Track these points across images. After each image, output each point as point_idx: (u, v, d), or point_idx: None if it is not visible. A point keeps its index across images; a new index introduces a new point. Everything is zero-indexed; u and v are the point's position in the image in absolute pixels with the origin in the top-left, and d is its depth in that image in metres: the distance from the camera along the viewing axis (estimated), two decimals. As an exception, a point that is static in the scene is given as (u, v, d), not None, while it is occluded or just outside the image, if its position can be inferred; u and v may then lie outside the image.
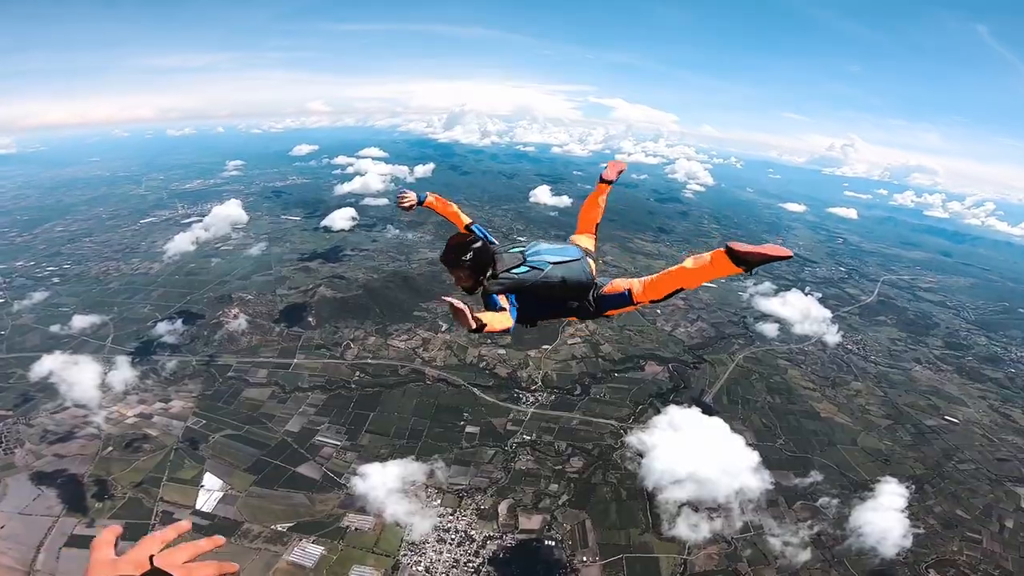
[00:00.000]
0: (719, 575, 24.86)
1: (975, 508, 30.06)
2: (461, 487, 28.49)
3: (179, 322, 43.15)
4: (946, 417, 39.26)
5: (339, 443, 31.19)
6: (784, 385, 40.83)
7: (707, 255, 3.97)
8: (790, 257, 3.75)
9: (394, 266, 57.57)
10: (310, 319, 44.23)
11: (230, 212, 75.30)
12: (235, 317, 43.71)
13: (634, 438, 32.19)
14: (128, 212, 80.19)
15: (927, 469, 32.89)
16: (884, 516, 28.32)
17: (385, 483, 28.10)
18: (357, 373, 37.77)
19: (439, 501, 27.47)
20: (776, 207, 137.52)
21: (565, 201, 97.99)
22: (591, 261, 4.97)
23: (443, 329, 43.39)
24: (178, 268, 55.30)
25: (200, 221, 71.16)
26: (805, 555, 26.20)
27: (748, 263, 3.67)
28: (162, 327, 42.39)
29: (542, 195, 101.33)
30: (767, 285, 61.40)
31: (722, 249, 3.80)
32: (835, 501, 29.83)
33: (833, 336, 51.62)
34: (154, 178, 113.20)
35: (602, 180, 6.22)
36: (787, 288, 60.89)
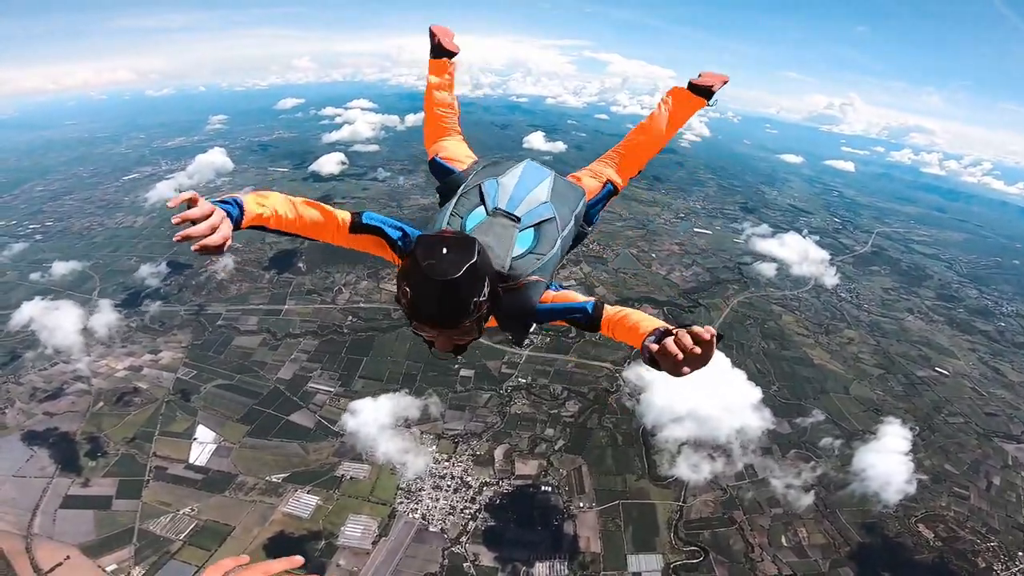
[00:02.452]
0: (715, 521, 25.09)
1: (963, 463, 30.31)
2: (456, 432, 28.44)
3: (166, 272, 42.29)
4: (936, 368, 39.44)
5: (332, 389, 30.90)
6: (778, 331, 40.94)
7: (665, 98, 3.71)
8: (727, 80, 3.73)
9: (385, 212, 55.64)
10: (300, 265, 43.41)
11: (214, 159, 73.17)
12: (223, 266, 42.72)
13: (632, 373, 32.15)
14: (110, 170, 77.42)
15: (917, 421, 33.01)
16: (888, 459, 28.46)
17: (377, 419, 28.00)
18: (349, 317, 37.25)
19: (435, 447, 27.45)
20: (773, 159, 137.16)
21: (560, 147, 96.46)
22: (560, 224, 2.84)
23: None
24: (163, 220, 53.65)
25: (184, 171, 69.18)
26: (807, 499, 26.37)
27: (709, 91, 3.64)
28: (149, 277, 41.56)
29: (536, 141, 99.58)
30: (764, 227, 61.82)
31: (681, 86, 3.73)
32: (838, 442, 30.12)
33: (831, 278, 52.01)
34: (134, 137, 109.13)
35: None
36: (784, 231, 61.02)
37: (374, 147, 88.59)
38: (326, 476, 25.62)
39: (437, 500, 24.75)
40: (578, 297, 2.61)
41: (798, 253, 54.45)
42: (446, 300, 1.94)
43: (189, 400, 29.63)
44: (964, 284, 59.88)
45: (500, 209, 2.63)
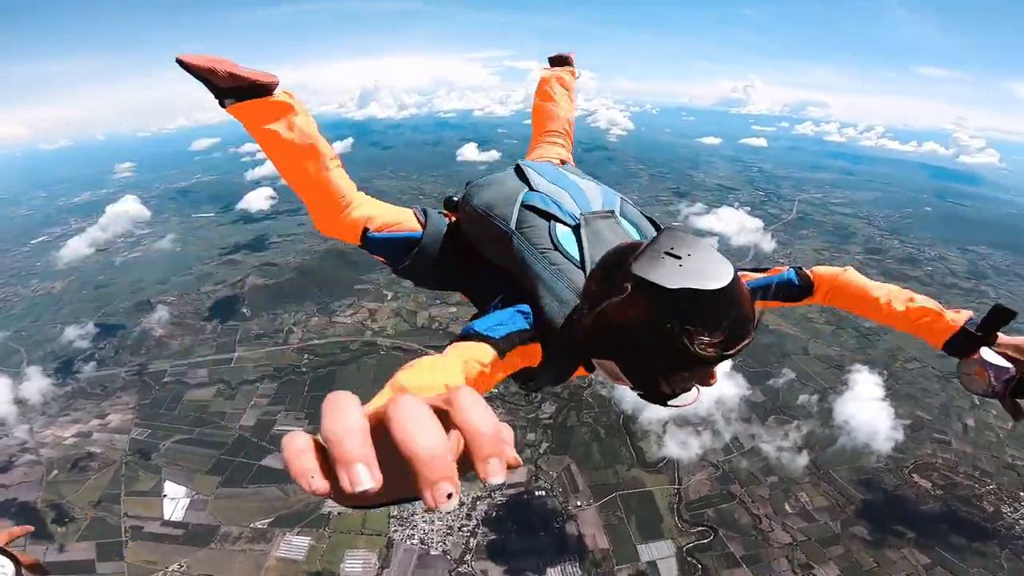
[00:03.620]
0: (715, 498, 25.24)
1: (934, 408, 31.42)
2: None
3: (95, 333, 39.09)
4: (881, 317, 42.29)
5: (300, 429, 29.19)
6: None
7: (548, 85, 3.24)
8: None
9: (327, 245, 54.58)
10: (244, 310, 41.14)
11: (128, 209, 68.23)
12: (159, 321, 39.90)
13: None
14: (15, 235, 70.22)
15: (879, 370, 34.20)
16: (866, 407, 29.48)
17: None
18: (305, 356, 35.67)
19: None
20: (694, 144, 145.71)
21: (494, 155, 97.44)
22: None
23: (389, 297, 41.89)
24: (83, 282, 49.98)
25: (96, 225, 64.06)
26: (802, 460, 26.88)
27: (566, 59, 3.52)
28: (78, 340, 38.28)
29: (469, 153, 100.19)
30: (699, 205, 65.12)
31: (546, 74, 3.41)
32: (814, 398, 31.20)
33: (769, 244, 55.73)
34: (36, 196, 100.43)
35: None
36: (718, 207, 64.37)
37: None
38: (312, 515, 24.22)
39: (432, 522, 23.83)
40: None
41: (735, 225, 58.50)
42: (743, 298, 1.35)
43: (149, 458, 27.57)
44: (886, 237, 64.95)
45: (584, 213, 1.82)
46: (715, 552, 22.73)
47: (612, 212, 1.85)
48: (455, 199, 2.11)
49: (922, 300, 1.94)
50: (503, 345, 1.57)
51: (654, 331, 1.25)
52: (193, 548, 22.79)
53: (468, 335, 1.55)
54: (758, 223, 59.96)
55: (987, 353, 1.56)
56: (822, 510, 24.65)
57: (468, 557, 22.41)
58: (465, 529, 23.55)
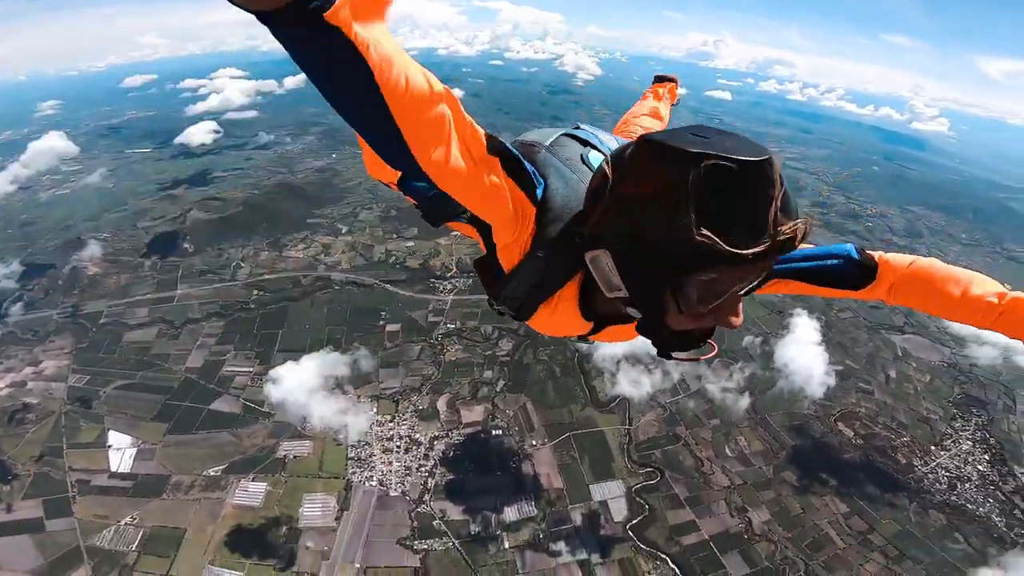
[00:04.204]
0: (662, 440, 26.11)
1: (861, 357, 33.09)
2: (394, 390, 27.26)
3: (21, 273, 36.19)
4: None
5: (251, 369, 28.29)
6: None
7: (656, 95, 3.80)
8: None
9: (277, 178, 51.98)
10: (186, 246, 38.76)
11: (54, 145, 62.15)
12: (92, 259, 37.15)
13: None
14: (-72, 178, 63.21)
15: (817, 315, 35.48)
16: (804, 351, 30.80)
17: (304, 382, 26.31)
18: (255, 292, 34.05)
19: (375, 409, 26.20)
20: None
21: (456, 93, 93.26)
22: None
23: (344, 231, 40.49)
24: (6, 221, 45.96)
25: (17, 162, 58.10)
26: (744, 403, 28.07)
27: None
28: (6, 283, 35.34)
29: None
30: None
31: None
32: (758, 340, 32.36)
33: None
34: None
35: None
36: None
37: (252, 113, 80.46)
38: (267, 460, 23.82)
39: (390, 463, 23.85)
40: None
41: None
42: (782, 186, 1.06)
43: (90, 407, 26.15)
44: (833, 193, 68.03)
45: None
46: (661, 493, 23.82)
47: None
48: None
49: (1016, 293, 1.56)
50: (498, 145, 1.26)
51: (669, 208, 1.00)
52: (144, 500, 22.12)
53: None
54: None
55: None
56: (757, 454, 26.08)
57: (427, 497, 22.65)
58: (423, 469, 23.66)
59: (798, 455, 26.35)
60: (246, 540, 20.77)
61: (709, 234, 0.95)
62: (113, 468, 23.36)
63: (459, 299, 33.73)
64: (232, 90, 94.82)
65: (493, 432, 25.68)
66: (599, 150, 1.66)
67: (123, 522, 21.26)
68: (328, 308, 32.30)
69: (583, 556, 21.24)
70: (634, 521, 22.56)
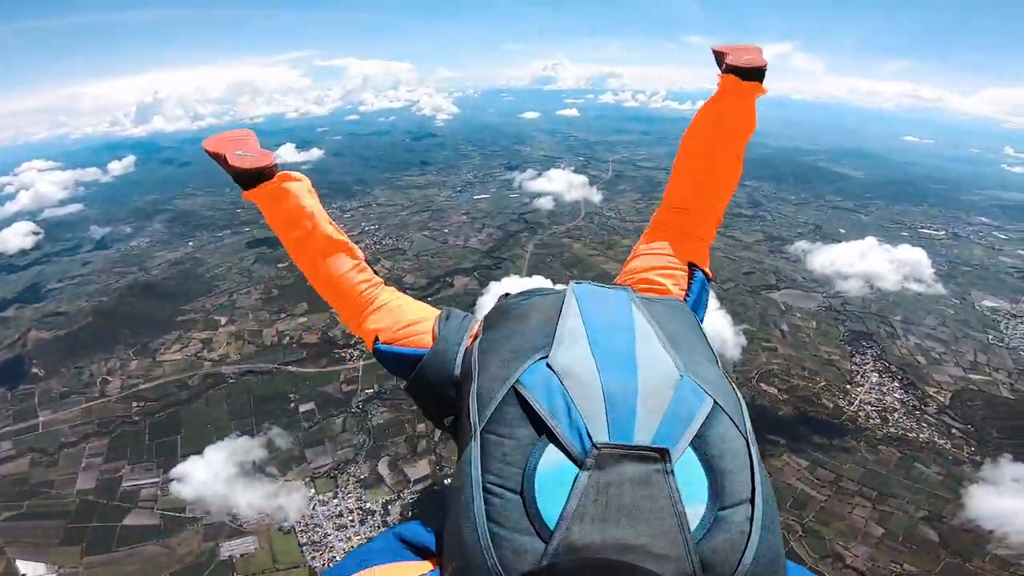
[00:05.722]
0: None
1: (754, 319, 35.91)
2: (328, 466, 25.72)
3: None
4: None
5: (157, 479, 25.49)
6: (575, 259, 46.23)
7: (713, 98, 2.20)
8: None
9: (127, 280, 46.50)
10: (36, 371, 33.42)
11: None
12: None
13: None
14: None
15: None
16: (711, 317, 33.95)
17: (218, 473, 24.31)
18: (135, 404, 30.39)
19: (312, 490, 24.53)
20: (517, 120, 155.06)
21: (316, 154, 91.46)
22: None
23: (223, 322, 37.41)
24: None
25: None
26: None
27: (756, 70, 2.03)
28: None
29: (287, 154, 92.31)
30: (530, 171, 73.30)
31: (722, 73, 2.11)
32: None
33: (597, 196, 64.05)
34: None
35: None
36: (547, 169, 73.16)
37: (75, 207, 71.20)
38: (212, 566, 21.40)
39: (349, 538, 22.40)
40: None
41: (564, 183, 66.49)
42: None
43: None
44: (685, 183, 77.82)
45: (606, 444, 0.82)
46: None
47: (663, 453, 0.81)
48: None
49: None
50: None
51: None
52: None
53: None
54: (584, 179, 69.64)
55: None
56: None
57: (392, 560, 21.66)
58: (384, 534, 22.69)
59: (741, 424, 28.46)
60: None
61: None
62: (37, 599, 20.32)
63: (371, 363, 32.49)
64: (45, 183, 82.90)
65: (445, 481, 24.97)
66: (563, 446, 0.83)
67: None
68: (228, 404, 29.80)
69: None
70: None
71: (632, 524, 0.74)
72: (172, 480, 24.73)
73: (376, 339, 1.72)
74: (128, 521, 23.51)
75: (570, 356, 0.99)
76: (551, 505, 0.77)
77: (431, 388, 1.38)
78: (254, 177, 1.98)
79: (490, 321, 1.32)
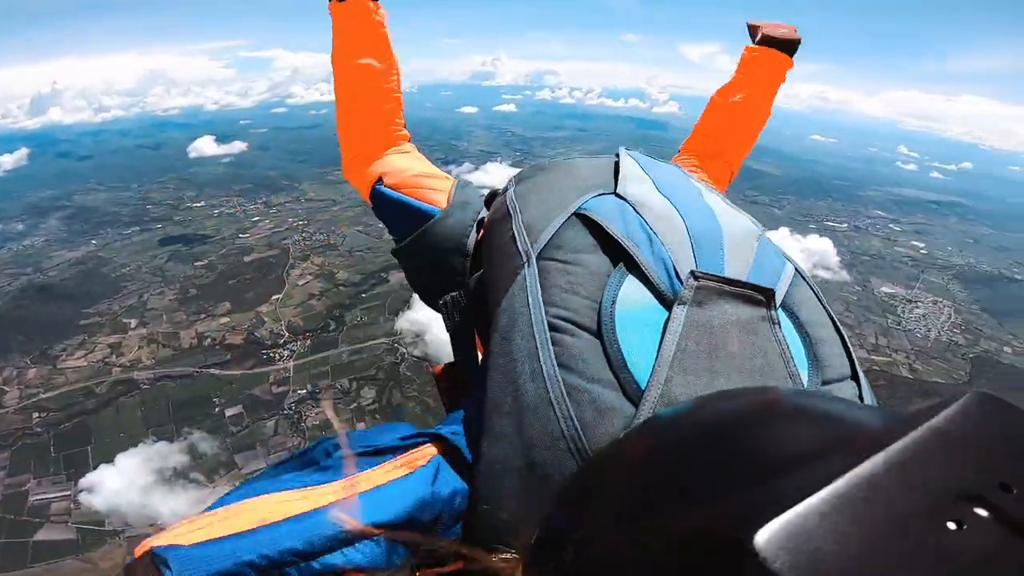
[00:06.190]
0: None
1: None
2: (261, 472, 24.78)
3: None
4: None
5: (68, 492, 23.99)
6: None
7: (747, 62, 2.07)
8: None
9: (21, 281, 42.45)
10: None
11: None
12: None
13: (403, 322, 32.78)
14: None
15: None
16: None
17: (132, 481, 23.26)
18: (35, 415, 28.11)
19: None
20: (454, 115, 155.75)
21: (239, 147, 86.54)
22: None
23: (134, 325, 35.04)
24: None
25: None
26: None
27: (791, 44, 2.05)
28: None
29: (206, 147, 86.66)
30: (467, 165, 74.20)
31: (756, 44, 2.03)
32: None
33: None
34: None
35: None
36: (484, 163, 73.27)
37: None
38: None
39: None
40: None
41: (502, 177, 66.29)
42: None
43: None
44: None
45: (701, 275, 0.67)
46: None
47: (769, 296, 0.69)
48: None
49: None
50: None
51: None
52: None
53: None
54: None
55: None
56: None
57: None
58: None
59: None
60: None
61: None
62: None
63: (302, 363, 31.85)
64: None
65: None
66: (647, 278, 0.68)
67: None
68: (143, 411, 28.05)
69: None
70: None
71: (743, 378, 0.60)
72: (82, 491, 23.45)
73: (379, 179, 1.42)
74: (41, 536, 22.40)
75: (642, 190, 0.86)
76: (637, 350, 0.61)
77: (434, 251, 1.17)
78: None
79: (524, 175, 1.12)
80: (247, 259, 45.68)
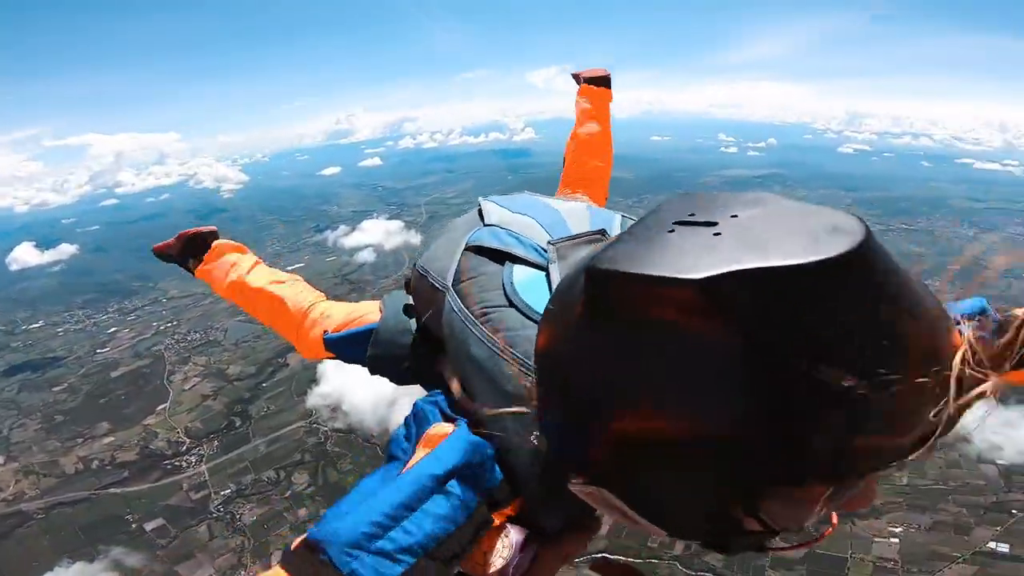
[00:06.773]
0: None
1: None
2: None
3: None
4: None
5: None
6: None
7: (582, 104, 2.89)
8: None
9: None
10: None
11: None
12: None
13: (314, 399, 32.29)
14: None
15: None
16: None
17: None
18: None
19: None
20: (316, 179, 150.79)
21: (67, 250, 76.61)
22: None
23: (2, 461, 31.23)
24: None
25: None
26: None
27: (603, 78, 2.90)
28: None
29: (27, 256, 75.15)
30: (342, 227, 73.77)
31: (582, 85, 2.90)
32: None
33: (415, 238, 67.14)
34: None
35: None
36: (359, 222, 72.81)
37: None
38: None
39: None
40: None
41: (381, 233, 67.46)
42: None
43: None
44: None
45: (555, 241, 1.11)
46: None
47: (603, 232, 1.13)
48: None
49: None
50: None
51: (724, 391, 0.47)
52: None
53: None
54: (400, 224, 71.28)
55: None
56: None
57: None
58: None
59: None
60: None
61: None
62: None
63: (215, 464, 30.16)
64: None
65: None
66: (525, 260, 1.08)
67: None
68: (48, 538, 25.66)
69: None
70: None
71: None
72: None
73: (324, 332, 1.74)
74: None
75: (501, 215, 1.28)
76: (539, 302, 0.93)
77: (390, 343, 1.41)
78: (201, 241, 2.25)
79: (421, 250, 1.43)
80: (114, 374, 41.22)
